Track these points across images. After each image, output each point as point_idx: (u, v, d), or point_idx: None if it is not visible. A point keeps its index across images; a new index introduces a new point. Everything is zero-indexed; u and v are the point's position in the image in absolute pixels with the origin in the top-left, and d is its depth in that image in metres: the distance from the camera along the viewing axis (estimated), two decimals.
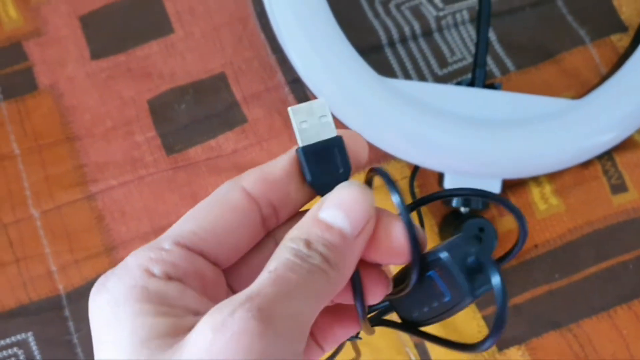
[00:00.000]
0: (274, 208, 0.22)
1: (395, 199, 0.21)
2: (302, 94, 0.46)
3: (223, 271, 0.22)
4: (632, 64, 0.44)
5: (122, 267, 0.21)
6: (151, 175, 0.45)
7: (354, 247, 0.20)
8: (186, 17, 0.48)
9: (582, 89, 0.46)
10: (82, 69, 0.48)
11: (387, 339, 0.42)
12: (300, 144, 0.22)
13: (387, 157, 0.45)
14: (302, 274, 0.19)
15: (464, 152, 0.42)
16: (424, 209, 0.44)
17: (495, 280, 0.20)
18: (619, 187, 0.44)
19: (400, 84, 0.43)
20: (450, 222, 0.43)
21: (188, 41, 0.48)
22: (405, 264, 0.22)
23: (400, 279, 0.23)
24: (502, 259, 0.24)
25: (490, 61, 0.47)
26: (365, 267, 0.22)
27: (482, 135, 0.42)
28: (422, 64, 0.47)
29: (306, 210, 0.23)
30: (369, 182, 0.23)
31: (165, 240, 0.21)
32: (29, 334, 0.43)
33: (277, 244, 0.22)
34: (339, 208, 0.20)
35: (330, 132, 0.22)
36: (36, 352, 0.42)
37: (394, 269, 0.24)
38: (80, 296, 0.43)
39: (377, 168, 0.22)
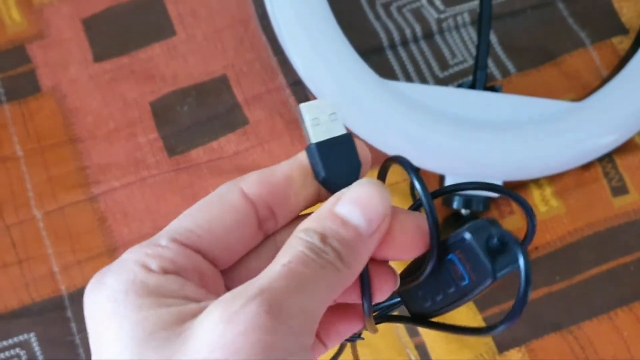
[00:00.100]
0: (271, 211, 0.22)
1: (417, 184, 0.21)
2: (303, 96, 0.47)
3: (221, 273, 0.22)
4: (632, 67, 0.44)
5: (118, 264, 0.21)
6: (153, 177, 0.46)
7: (367, 245, 0.20)
8: (188, 19, 0.49)
9: (582, 91, 0.46)
10: (85, 71, 0.48)
11: (388, 340, 0.42)
12: (313, 140, 0.22)
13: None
14: (315, 269, 0.19)
15: (465, 154, 0.42)
16: (423, 211, 0.44)
17: (520, 259, 0.20)
18: (619, 190, 0.44)
19: (401, 86, 0.43)
20: (451, 224, 0.43)
21: (190, 43, 0.48)
22: (416, 256, 0.22)
23: (414, 269, 0.23)
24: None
25: (491, 63, 0.47)
26: (373, 264, 0.22)
27: (482, 138, 0.42)
28: (423, 66, 0.47)
29: (305, 215, 0.23)
30: (385, 171, 0.23)
31: (162, 237, 0.21)
32: (32, 334, 0.43)
33: (277, 247, 0.22)
34: (356, 205, 0.20)
35: (340, 130, 0.22)
36: (38, 353, 0.42)
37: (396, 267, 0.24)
38: (82, 297, 0.43)
39: (397, 156, 0.22)
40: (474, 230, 0.21)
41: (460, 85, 0.45)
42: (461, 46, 0.48)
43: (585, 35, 0.48)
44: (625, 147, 0.45)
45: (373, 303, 0.22)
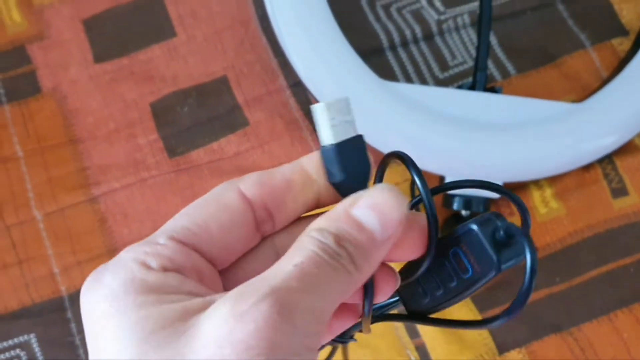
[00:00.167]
0: (269, 213, 0.22)
1: (416, 179, 0.21)
2: (303, 97, 0.47)
3: (219, 273, 0.22)
4: (632, 68, 0.44)
5: (116, 263, 0.20)
6: (153, 178, 0.46)
7: (380, 251, 0.20)
8: (188, 20, 0.49)
9: (582, 92, 0.46)
10: (85, 72, 0.48)
11: (388, 341, 0.42)
12: (332, 142, 0.22)
13: None
14: (327, 271, 0.19)
15: (465, 155, 0.42)
16: (422, 209, 0.44)
17: (527, 250, 0.20)
18: (619, 191, 0.44)
19: (401, 87, 0.43)
20: (451, 226, 0.43)
21: (190, 45, 0.48)
22: (418, 257, 0.22)
23: (413, 265, 0.23)
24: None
25: (491, 65, 0.47)
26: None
27: (482, 139, 0.42)
28: (423, 67, 0.48)
29: (307, 218, 0.23)
30: (384, 167, 0.23)
31: (160, 235, 0.21)
32: (32, 335, 0.43)
33: (277, 251, 0.22)
34: (373, 209, 0.20)
35: (354, 131, 0.22)
36: (39, 354, 0.42)
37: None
38: None
39: (398, 152, 0.22)
40: (481, 222, 0.21)
41: (460, 87, 0.45)
42: (461, 47, 0.48)
43: (586, 37, 0.48)
44: (625, 149, 0.45)
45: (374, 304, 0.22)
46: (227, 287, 0.22)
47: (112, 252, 0.44)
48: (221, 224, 0.21)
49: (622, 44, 0.47)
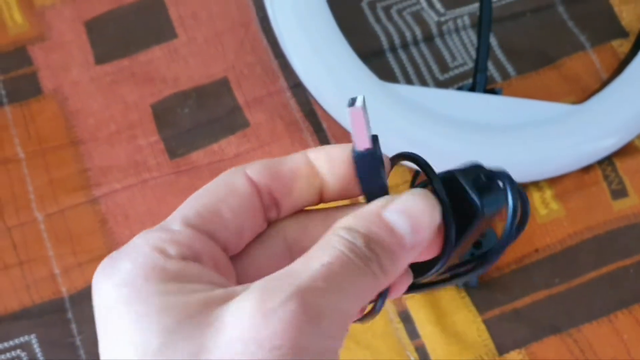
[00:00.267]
0: (274, 200, 0.22)
1: (435, 184, 0.21)
2: (304, 98, 0.47)
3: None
4: (632, 70, 0.44)
5: (131, 249, 0.20)
6: (154, 179, 0.46)
7: (408, 257, 0.20)
8: (189, 22, 0.49)
9: (582, 94, 0.47)
10: (87, 74, 0.48)
11: (388, 342, 0.42)
12: (369, 145, 0.21)
13: None
14: (355, 273, 0.19)
15: (465, 156, 0.42)
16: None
17: (508, 189, 0.20)
18: (619, 193, 0.44)
19: (401, 88, 0.43)
20: None
21: (191, 46, 0.48)
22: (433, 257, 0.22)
23: (427, 262, 0.23)
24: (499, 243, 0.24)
25: (491, 66, 0.47)
26: None
27: (482, 140, 0.42)
28: (423, 68, 0.48)
29: (314, 210, 0.22)
30: (391, 167, 0.22)
31: (174, 221, 0.20)
32: (32, 336, 0.43)
33: (285, 239, 0.22)
34: (405, 215, 0.20)
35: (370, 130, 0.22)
36: (39, 355, 0.43)
37: None
38: (83, 299, 0.43)
39: (409, 153, 0.22)
40: (462, 170, 0.21)
41: (460, 88, 0.45)
42: (461, 49, 0.48)
43: (585, 39, 0.48)
44: (625, 150, 0.45)
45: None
46: (238, 274, 0.22)
47: None
48: (232, 208, 0.21)
49: (622, 46, 0.47)
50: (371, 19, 0.48)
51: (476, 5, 0.48)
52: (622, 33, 0.48)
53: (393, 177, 0.44)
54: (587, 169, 0.45)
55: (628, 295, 0.42)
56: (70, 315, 0.43)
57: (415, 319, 0.42)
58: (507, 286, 0.43)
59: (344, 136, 0.44)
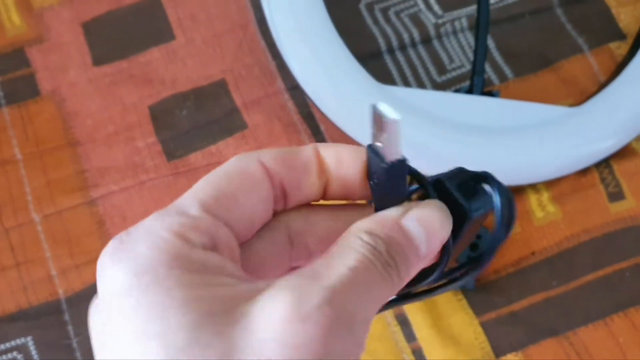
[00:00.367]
0: (284, 191, 0.21)
1: (430, 191, 0.21)
2: (302, 100, 0.47)
3: None
4: (630, 72, 0.44)
5: (148, 232, 0.18)
6: (152, 181, 0.46)
7: (420, 265, 0.20)
8: (187, 23, 0.49)
9: (580, 96, 0.47)
10: (84, 75, 0.48)
11: (386, 345, 0.42)
12: (401, 156, 0.21)
13: None
14: (378, 279, 0.19)
15: (462, 159, 0.42)
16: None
17: (496, 194, 0.20)
18: (616, 195, 0.44)
19: (398, 91, 0.43)
20: None
21: (189, 47, 0.48)
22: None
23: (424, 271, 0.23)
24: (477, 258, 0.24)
25: (489, 69, 0.47)
26: None
27: (479, 143, 0.42)
28: (421, 70, 0.48)
29: (318, 206, 0.22)
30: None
31: (190, 205, 0.19)
32: (29, 338, 0.43)
33: (289, 232, 0.22)
34: (423, 225, 0.20)
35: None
36: (35, 357, 0.43)
37: None
38: (80, 300, 0.43)
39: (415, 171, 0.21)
40: (448, 175, 0.21)
41: (457, 91, 0.45)
42: (459, 51, 0.48)
43: (583, 41, 0.48)
44: (623, 153, 0.45)
45: None
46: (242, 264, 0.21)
47: None
48: (248, 196, 0.20)
49: (619, 48, 0.47)
50: (369, 20, 0.49)
51: (474, 7, 0.48)
52: (620, 35, 0.48)
53: None
54: (584, 172, 0.45)
55: (624, 298, 0.42)
56: (67, 317, 0.43)
57: (413, 321, 0.42)
58: (504, 289, 0.43)
59: (341, 138, 0.44)
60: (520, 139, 0.43)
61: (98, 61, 0.48)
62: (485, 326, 0.42)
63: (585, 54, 0.47)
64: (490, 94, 0.44)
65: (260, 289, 0.18)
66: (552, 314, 0.42)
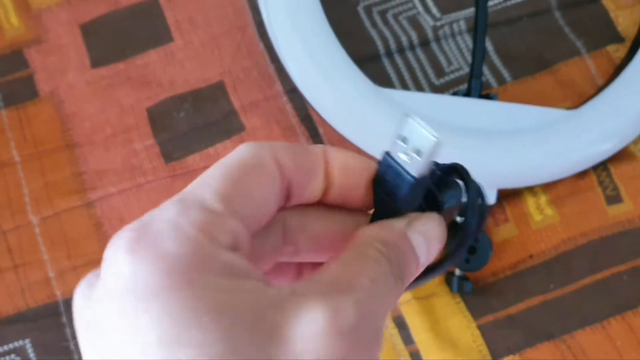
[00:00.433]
0: (289, 190, 0.21)
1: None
2: (300, 103, 0.47)
3: None
4: (628, 75, 0.44)
5: (174, 229, 0.17)
6: (150, 183, 0.46)
7: (416, 275, 0.21)
8: (185, 26, 0.49)
9: (578, 99, 0.47)
10: (83, 77, 0.48)
11: (383, 348, 0.42)
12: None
13: None
14: (392, 289, 0.19)
15: (459, 161, 0.42)
16: None
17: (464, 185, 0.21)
18: (614, 198, 0.44)
19: (396, 94, 0.43)
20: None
21: (187, 50, 0.48)
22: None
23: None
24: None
25: (487, 71, 0.47)
26: None
27: (477, 145, 0.42)
28: (419, 73, 0.48)
29: (316, 205, 0.22)
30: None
31: (211, 199, 0.18)
32: (27, 340, 0.43)
33: (284, 228, 0.22)
34: (424, 237, 0.21)
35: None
36: (33, 359, 0.43)
37: None
38: None
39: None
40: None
41: (455, 94, 0.45)
42: (457, 54, 0.48)
43: (581, 44, 0.48)
44: (620, 156, 0.45)
45: None
46: None
47: None
48: (262, 192, 0.19)
49: (617, 51, 0.47)
50: (367, 23, 0.48)
51: (472, 9, 0.48)
52: (618, 38, 0.48)
53: None
54: (582, 175, 0.45)
55: (622, 301, 0.42)
56: (64, 319, 0.43)
57: (410, 324, 0.42)
58: (502, 292, 0.43)
59: (339, 141, 0.44)
60: (517, 142, 0.43)
61: (96, 63, 0.48)
62: (482, 329, 0.42)
63: (583, 57, 0.47)
64: (488, 97, 0.44)
65: (285, 294, 0.17)
66: (549, 317, 0.42)
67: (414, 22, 0.48)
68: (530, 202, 0.44)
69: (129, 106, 0.47)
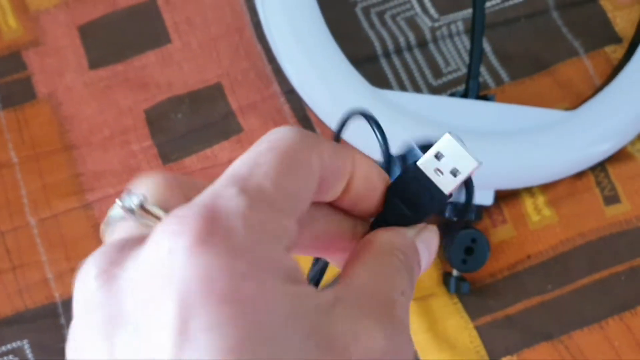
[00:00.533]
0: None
1: (381, 142, 0.22)
2: (297, 104, 0.47)
3: None
4: (625, 76, 0.44)
5: (243, 225, 0.16)
6: None
7: None
8: (183, 27, 0.49)
9: (576, 100, 0.47)
10: (81, 79, 0.48)
11: None
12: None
13: None
14: (411, 297, 0.20)
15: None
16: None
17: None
18: (611, 199, 0.44)
19: (393, 95, 0.43)
20: (444, 233, 0.43)
21: (185, 51, 0.48)
22: None
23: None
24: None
25: (485, 72, 0.47)
26: None
27: (474, 147, 0.42)
28: (417, 74, 0.48)
29: (324, 204, 0.22)
30: (343, 125, 0.23)
31: (272, 193, 0.17)
32: (25, 341, 0.43)
33: None
34: (427, 248, 0.21)
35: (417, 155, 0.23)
36: None
37: None
38: None
39: (361, 110, 0.22)
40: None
41: (452, 95, 0.45)
42: (455, 55, 0.48)
43: (579, 44, 0.48)
44: (618, 156, 0.45)
45: None
46: None
47: None
48: (307, 194, 0.18)
49: (615, 52, 0.47)
50: (365, 24, 0.49)
51: (470, 10, 0.48)
52: (616, 39, 0.48)
53: None
54: (579, 175, 0.45)
55: (619, 302, 0.42)
56: (63, 320, 0.43)
57: None
58: (500, 292, 0.43)
59: None
60: (515, 143, 0.43)
61: (94, 64, 0.48)
62: (480, 330, 0.42)
63: (581, 58, 0.47)
64: (485, 97, 0.44)
65: (330, 300, 0.17)
66: (547, 317, 0.42)
67: (412, 23, 0.48)
68: (528, 202, 0.44)
69: (127, 108, 0.47)
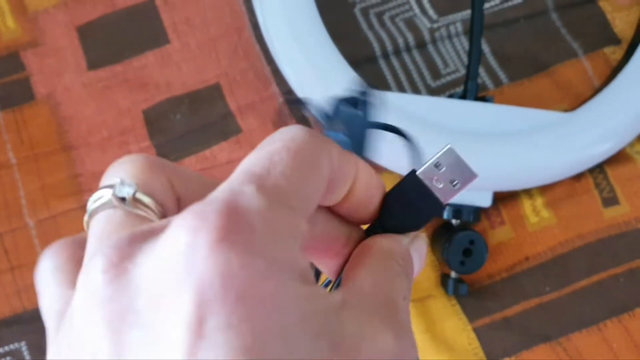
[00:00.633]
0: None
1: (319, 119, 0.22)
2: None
3: None
4: (624, 77, 0.44)
5: (264, 225, 0.15)
6: None
7: None
8: (182, 27, 0.49)
9: (575, 101, 0.47)
10: (79, 79, 0.48)
11: None
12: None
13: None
14: (409, 301, 0.20)
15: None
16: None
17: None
18: (610, 200, 0.44)
19: (391, 96, 0.43)
20: (442, 235, 0.43)
21: (184, 52, 0.48)
22: None
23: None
24: None
25: (483, 73, 0.47)
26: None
27: (473, 148, 0.42)
28: (415, 75, 0.48)
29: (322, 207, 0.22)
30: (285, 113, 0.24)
31: (289, 192, 0.17)
32: (22, 343, 0.43)
33: None
34: (418, 256, 0.22)
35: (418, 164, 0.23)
36: None
37: None
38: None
39: (300, 98, 0.22)
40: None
41: (451, 96, 0.45)
42: (454, 56, 0.48)
43: (578, 46, 0.48)
44: (617, 158, 0.45)
45: None
46: None
47: None
48: (317, 196, 0.18)
49: (614, 53, 0.47)
50: (364, 25, 0.48)
51: (469, 11, 0.48)
52: (615, 40, 0.48)
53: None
54: (578, 177, 0.45)
55: (618, 304, 0.42)
56: None
57: None
58: (498, 294, 0.43)
59: None
60: (514, 145, 0.43)
61: (93, 65, 0.48)
62: (478, 332, 0.42)
63: (580, 59, 0.47)
64: (484, 99, 0.44)
65: (338, 302, 0.17)
66: (545, 319, 0.42)
67: (411, 24, 0.48)
68: (526, 204, 0.44)
69: (126, 108, 0.47)
